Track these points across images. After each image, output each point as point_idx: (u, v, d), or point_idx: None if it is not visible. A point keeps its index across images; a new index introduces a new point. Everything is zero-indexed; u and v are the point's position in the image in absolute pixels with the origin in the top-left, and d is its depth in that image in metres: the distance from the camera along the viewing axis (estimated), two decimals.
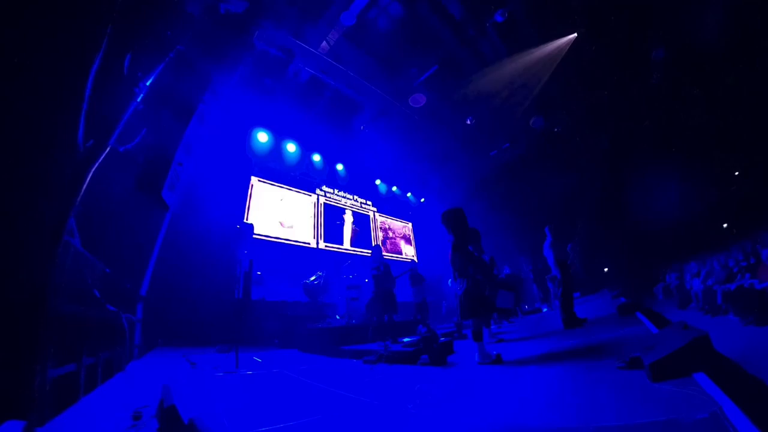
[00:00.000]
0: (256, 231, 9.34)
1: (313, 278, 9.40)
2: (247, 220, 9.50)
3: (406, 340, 6.81)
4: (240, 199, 9.78)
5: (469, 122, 12.85)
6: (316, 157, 11.91)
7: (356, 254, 12.72)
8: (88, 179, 3.25)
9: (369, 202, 14.44)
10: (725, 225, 15.77)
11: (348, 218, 13.24)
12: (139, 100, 5.09)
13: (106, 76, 3.76)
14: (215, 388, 4.00)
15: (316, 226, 11.76)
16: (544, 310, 11.52)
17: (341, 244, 12.55)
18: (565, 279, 6.94)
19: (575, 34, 10.78)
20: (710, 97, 13.96)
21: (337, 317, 9.29)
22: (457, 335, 7.61)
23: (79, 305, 3.22)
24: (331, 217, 12.53)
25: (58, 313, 2.63)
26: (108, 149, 3.85)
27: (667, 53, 11.90)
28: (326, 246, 11.85)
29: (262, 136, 10.28)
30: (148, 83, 5.28)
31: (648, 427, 2.15)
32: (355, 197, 13.89)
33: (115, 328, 4.38)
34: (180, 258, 7.14)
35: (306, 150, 11.55)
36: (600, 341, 5.04)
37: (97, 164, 3.51)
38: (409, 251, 15.84)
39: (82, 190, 3.11)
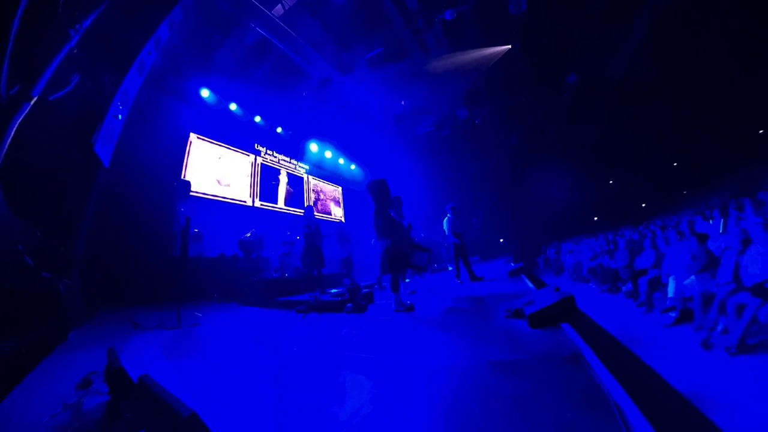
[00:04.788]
0: (193, 188, 8.71)
1: (248, 235, 9.15)
2: (184, 177, 8.78)
3: (333, 291, 7.03)
4: (178, 155, 8.93)
5: (403, 103, 13.01)
6: (257, 118, 11.22)
7: (289, 213, 12.55)
8: (13, 131, 2.83)
9: (304, 165, 14.14)
10: (596, 218, 18.40)
11: (283, 179, 12.87)
12: (74, 43, 4.40)
13: (37, 14, 3.23)
14: (161, 345, 3.86)
15: (252, 185, 11.32)
16: (450, 268, 12.38)
17: (276, 203, 12.26)
18: (462, 246, 7.86)
19: (509, 46, 11.43)
20: (604, 120, 15.95)
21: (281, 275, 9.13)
22: (378, 287, 7.95)
23: (8, 276, 2.84)
24: (267, 177, 12.08)
25: None
26: (36, 98, 3.36)
27: (578, 79, 13.26)
28: (261, 204, 11.51)
29: (204, 93, 9.36)
30: (85, 25, 4.59)
31: (527, 360, 2.56)
32: (291, 160, 13.49)
33: (51, 296, 3.87)
34: (116, 216, 6.39)
35: (247, 110, 10.80)
36: (493, 295, 5.57)
37: (23, 115, 3.05)
38: (337, 212, 15.90)
39: (6, 144, 2.72)
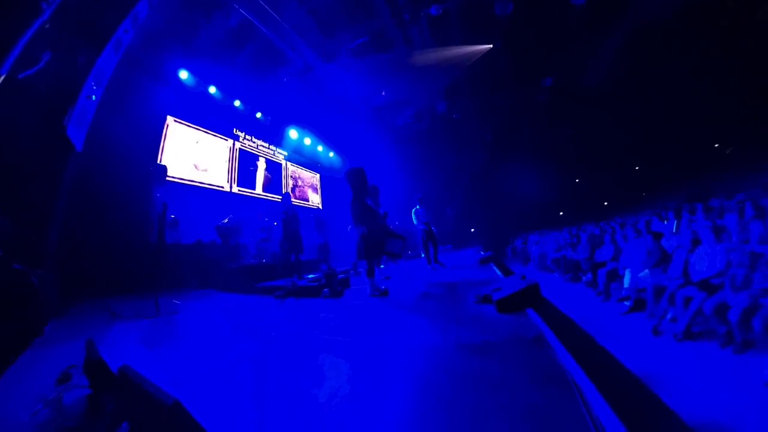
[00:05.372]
0: (170, 173, 8.25)
1: (225, 221, 8.91)
2: (161, 161, 8.34)
3: (310, 276, 6.99)
4: (154, 139, 8.44)
5: (383, 93, 12.96)
6: (237, 103, 10.83)
7: (267, 199, 12.35)
8: None
9: (283, 151, 13.87)
10: (561, 213, 19.21)
11: (261, 165, 12.60)
12: (46, 17, 4.06)
13: None
14: (140, 335, 3.72)
15: (230, 171, 11.03)
16: (423, 255, 12.60)
17: (254, 189, 12.02)
18: (430, 234, 8.19)
19: (491, 46, 11.62)
20: (575, 123, 16.68)
21: (264, 261, 8.98)
22: (354, 273, 8.02)
23: None
24: (246, 163, 11.77)
25: None
26: (4, 76, 3.12)
27: (553, 83, 13.83)
28: (239, 190, 11.26)
29: (183, 74, 8.84)
30: None
31: (495, 342, 2.68)
32: (270, 146, 13.20)
33: (24, 288, 3.54)
34: (90, 203, 5.92)
35: (227, 94, 10.39)
36: (464, 282, 5.75)
37: None
38: (315, 199, 15.75)
39: None
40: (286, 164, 14.02)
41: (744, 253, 3.86)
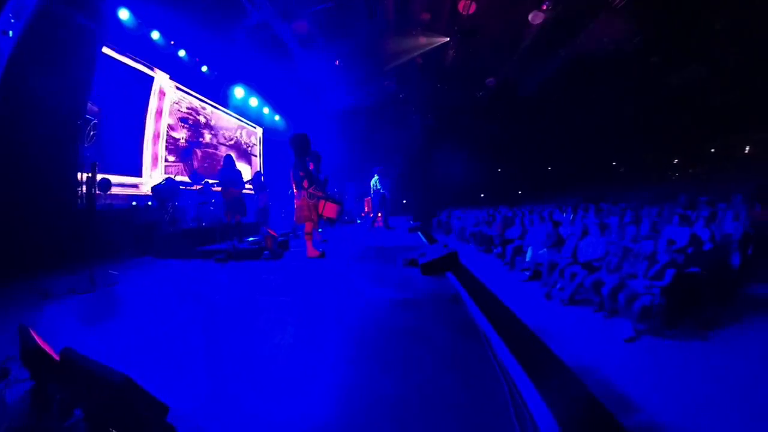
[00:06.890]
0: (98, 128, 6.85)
1: (162, 182, 7.75)
2: (90, 114, 6.71)
3: (251, 239, 6.79)
4: (83, 88, 6.44)
5: (337, 63, 12.43)
6: (182, 53, 9.32)
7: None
8: None
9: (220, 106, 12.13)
10: (482, 195, 20.75)
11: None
12: None
13: None
14: (77, 313, 3.18)
15: None
16: (358, 221, 12.83)
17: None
18: (383, 201, 8.98)
19: (448, 38, 11.81)
20: (506, 122, 18.12)
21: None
22: (293, 235, 7.82)
23: None
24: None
25: None
26: None
27: (496, 84, 14.98)
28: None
29: (123, 14, 7.18)
30: None
31: (419, 299, 2.91)
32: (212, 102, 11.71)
33: None
34: (7, 165, 4.63)
35: (170, 41, 8.82)
36: (393, 246, 6.07)
37: None
38: (253, 162, 14.46)
39: None
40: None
41: (619, 246, 4.62)
